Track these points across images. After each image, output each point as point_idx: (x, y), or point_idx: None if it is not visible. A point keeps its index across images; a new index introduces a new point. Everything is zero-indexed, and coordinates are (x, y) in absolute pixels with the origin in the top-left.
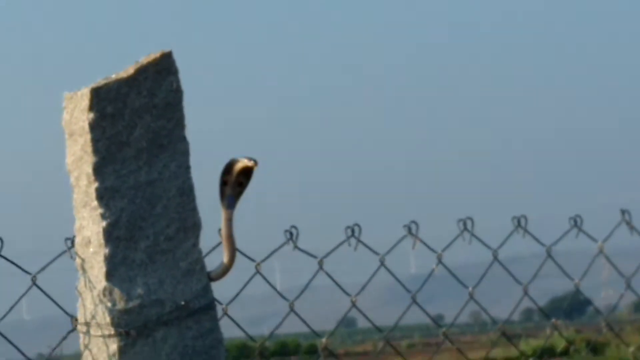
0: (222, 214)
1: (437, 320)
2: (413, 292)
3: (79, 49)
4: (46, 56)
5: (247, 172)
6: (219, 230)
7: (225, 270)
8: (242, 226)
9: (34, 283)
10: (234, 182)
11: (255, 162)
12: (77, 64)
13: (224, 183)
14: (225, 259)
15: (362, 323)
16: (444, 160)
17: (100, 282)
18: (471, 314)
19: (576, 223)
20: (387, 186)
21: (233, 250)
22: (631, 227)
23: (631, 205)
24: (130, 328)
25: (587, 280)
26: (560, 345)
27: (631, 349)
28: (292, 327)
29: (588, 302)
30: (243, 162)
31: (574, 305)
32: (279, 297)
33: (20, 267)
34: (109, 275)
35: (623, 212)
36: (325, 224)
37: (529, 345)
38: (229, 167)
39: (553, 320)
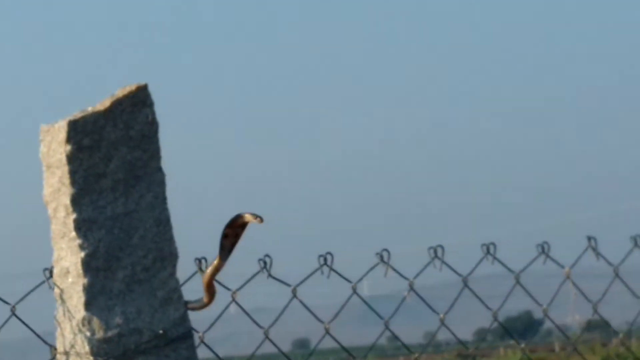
0: (215, 261)
1: (390, 341)
2: (386, 319)
3: (54, 81)
4: (21, 89)
5: (244, 225)
6: (195, 259)
7: (203, 306)
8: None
9: (13, 313)
10: (233, 234)
11: (261, 219)
12: (52, 96)
13: (225, 236)
14: (205, 298)
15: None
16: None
17: (79, 312)
18: (425, 334)
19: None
20: (361, 212)
21: (213, 293)
22: (597, 254)
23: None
24: (109, 357)
25: (542, 301)
26: None
27: None
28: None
29: (540, 322)
30: (248, 218)
31: (527, 325)
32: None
33: (1, 299)
34: (88, 305)
35: (589, 238)
36: (299, 250)
37: None
38: (233, 221)
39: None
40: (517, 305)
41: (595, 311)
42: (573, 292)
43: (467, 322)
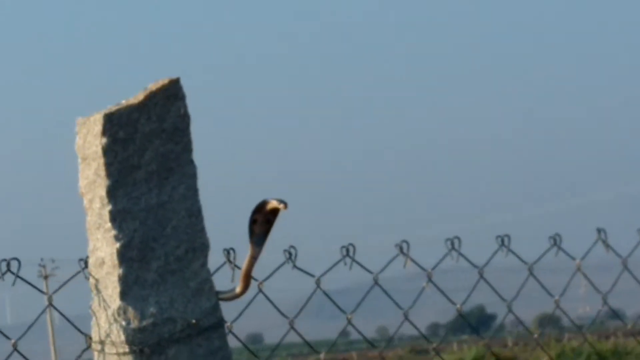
0: (249, 250)
1: (342, 336)
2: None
3: (89, 74)
4: (57, 82)
5: (275, 211)
6: (224, 250)
7: (235, 297)
8: (242, 248)
9: (50, 303)
10: (263, 220)
11: (286, 205)
12: (88, 90)
13: (254, 221)
14: (238, 288)
15: (268, 339)
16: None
17: (115, 302)
18: (378, 329)
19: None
20: (380, 203)
21: (248, 285)
22: (607, 246)
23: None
24: (144, 346)
25: (493, 296)
26: (470, 359)
27: None
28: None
29: (493, 316)
30: (273, 204)
31: (480, 320)
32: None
33: (36, 288)
34: (123, 295)
35: (599, 230)
36: (321, 241)
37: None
38: (259, 207)
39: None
40: (471, 300)
41: (605, 302)
42: (583, 284)
43: (420, 317)
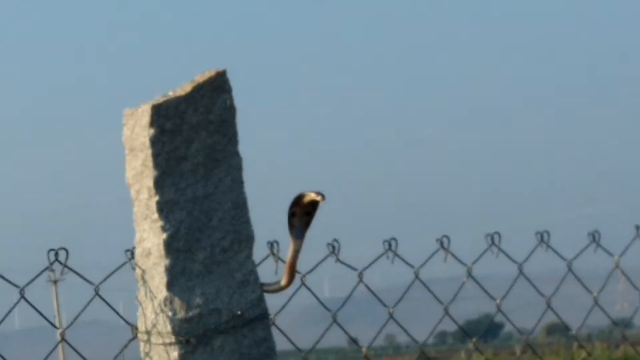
0: (290, 244)
1: (351, 343)
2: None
3: (137, 65)
4: (104, 73)
5: (314, 204)
6: (267, 242)
7: (279, 289)
8: (286, 241)
9: (97, 293)
10: (302, 213)
11: (323, 197)
12: (135, 81)
13: (292, 215)
14: (283, 281)
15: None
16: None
17: (161, 292)
18: (386, 337)
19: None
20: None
21: (293, 278)
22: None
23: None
24: (190, 336)
25: (505, 302)
26: None
27: None
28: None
29: (501, 325)
30: (310, 197)
31: (487, 328)
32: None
33: (83, 278)
34: (170, 286)
35: (638, 227)
36: (363, 236)
37: None
38: (297, 200)
39: (474, 339)
40: (478, 308)
41: None
42: (622, 280)
43: (427, 324)
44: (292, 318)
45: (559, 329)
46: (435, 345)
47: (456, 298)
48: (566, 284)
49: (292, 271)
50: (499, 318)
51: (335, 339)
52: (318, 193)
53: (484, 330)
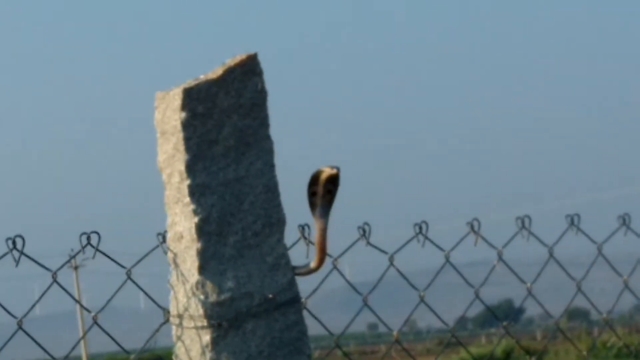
0: (316, 223)
1: (371, 328)
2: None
3: (168, 49)
4: (135, 57)
5: (333, 180)
6: (298, 226)
7: (310, 271)
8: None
9: (129, 277)
10: (323, 191)
11: (338, 170)
12: (167, 64)
13: (312, 194)
14: (313, 263)
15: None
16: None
17: (193, 276)
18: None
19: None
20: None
21: (324, 258)
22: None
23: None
24: (222, 320)
25: (523, 288)
26: (499, 352)
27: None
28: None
29: (522, 310)
30: (327, 172)
31: (507, 314)
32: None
33: (115, 261)
34: (202, 269)
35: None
36: (393, 219)
37: (468, 352)
38: (315, 178)
39: (504, 323)
40: (499, 293)
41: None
42: None
43: (448, 311)
44: (312, 302)
45: (580, 314)
46: (454, 330)
47: (475, 283)
48: (583, 269)
49: (323, 252)
50: (519, 303)
51: (355, 324)
52: (332, 167)
53: (504, 315)
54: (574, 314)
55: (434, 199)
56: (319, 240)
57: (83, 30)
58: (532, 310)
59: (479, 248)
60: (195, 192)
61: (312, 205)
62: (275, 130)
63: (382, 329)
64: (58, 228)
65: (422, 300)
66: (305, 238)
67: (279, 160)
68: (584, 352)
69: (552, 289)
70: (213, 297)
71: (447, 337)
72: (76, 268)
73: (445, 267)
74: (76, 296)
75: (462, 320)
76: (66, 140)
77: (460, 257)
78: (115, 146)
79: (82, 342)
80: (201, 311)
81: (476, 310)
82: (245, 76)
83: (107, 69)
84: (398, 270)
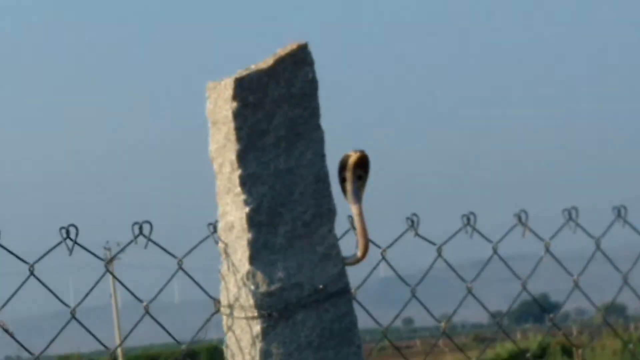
0: (352, 209)
1: (406, 323)
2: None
3: (217, 40)
4: (188, 47)
5: (363, 164)
6: (348, 216)
7: (357, 261)
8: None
9: (180, 267)
10: (353, 176)
11: (362, 152)
12: (218, 53)
13: (342, 180)
14: (359, 251)
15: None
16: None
17: (244, 266)
18: (440, 316)
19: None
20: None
21: (366, 243)
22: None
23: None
24: (272, 310)
25: (556, 283)
26: (535, 348)
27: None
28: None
29: (556, 305)
30: (353, 156)
31: (543, 309)
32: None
33: (167, 251)
34: (252, 259)
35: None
36: (437, 210)
37: (504, 348)
38: (343, 164)
39: (551, 315)
40: (534, 288)
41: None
42: None
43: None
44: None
45: (615, 310)
46: (490, 326)
47: (509, 278)
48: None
49: (365, 239)
50: (554, 298)
51: (389, 318)
52: (357, 150)
53: (540, 311)
54: (610, 309)
55: (481, 191)
56: (359, 227)
57: (135, 18)
58: (568, 305)
59: (522, 241)
60: (247, 182)
61: (344, 191)
62: (326, 119)
63: (416, 323)
64: (108, 218)
65: (469, 291)
66: (355, 229)
67: (330, 150)
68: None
69: (586, 284)
70: (263, 288)
71: (481, 333)
72: (111, 260)
73: (502, 257)
74: (111, 288)
75: (497, 315)
76: (118, 129)
77: (506, 250)
78: (167, 136)
79: (116, 335)
80: (252, 301)
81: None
82: (296, 66)
83: (159, 57)
84: (446, 262)
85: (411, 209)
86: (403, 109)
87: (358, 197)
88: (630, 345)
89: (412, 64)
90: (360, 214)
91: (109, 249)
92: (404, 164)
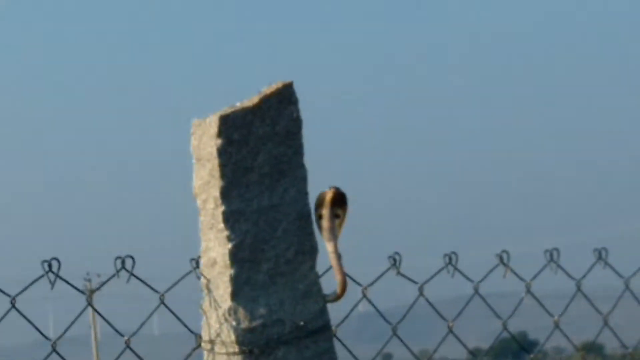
0: (327, 247)
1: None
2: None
3: (203, 76)
4: (172, 85)
5: (340, 202)
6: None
7: (336, 298)
8: (348, 252)
9: (162, 302)
10: (330, 214)
11: (336, 189)
12: (202, 91)
13: (319, 217)
14: (338, 288)
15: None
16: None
17: (226, 302)
18: (420, 352)
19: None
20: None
21: (343, 281)
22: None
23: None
24: (253, 346)
25: (536, 322)
26: None
27: None
28: None
29: (535, 343)
30: (329, 193)
31: (522, 347)
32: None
33: (149, 286)
34: (235, 295)
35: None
36: (422, 248)
37: None
38: (320, 201)
39: (531, 355)
40: (514, 325)
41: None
42: None
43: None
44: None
45: (594, 349)
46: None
47: (481, 316)
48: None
49: (342, 276)
50: (533, 335)
51: (368, 353)
52: (332, 187)
53: (518, 349)
54: (588, 347)
55: (463, 229)
56: (334, 264)
57: (118, 57)
58: (546, 343)
59: (503, 280)
60: (230, 219)
61: (320, 228)
62: (309, 157)
63: (395, 358)
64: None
65: (450, 330)
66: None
67: (312, 188)
68: None
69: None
70: (245, 324)
71: None
72: (92, 292)
73: (482, 296)
74: (91, 320)
75: (476, 352)
76: (102, 161)
77: (486, 288)
78: (151, 172)
79: None
80: (233, 337)
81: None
82: (281, 104)
83: (145, 93)
84: (428, 301)
85: (394, 245)
86: (387, 147)
87: (334, 234)
88: None
89: (401, 100)
90: (336, 252)
91: (89, 280)
92: (387, 201)
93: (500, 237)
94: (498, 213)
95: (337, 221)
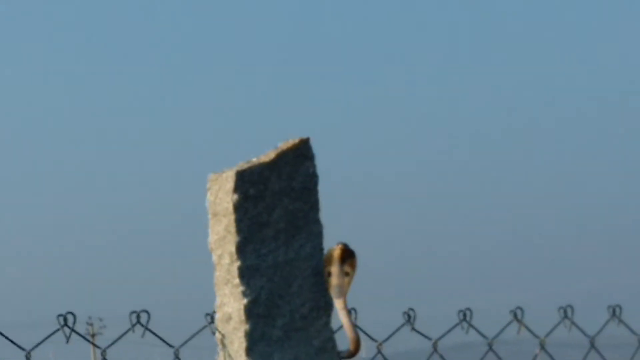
0: (335, 304)
1: None
2: None
3: (220, 131)
4: (188, 139)
5: (349, 259)
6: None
7: (350, 355)
8: (363, 309)
9: (177, 356)
10: (339, 272)
11: (344, 245)
12: (215, 147)
13: (328, 274)
14: (351, 345)
15: None
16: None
17: (241, 357)
18: None
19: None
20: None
21: (355, 338)
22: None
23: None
24: None
25: None
26: None
27: None
28: None
29: None
30: (336, 250)
31: None
32: None
33: (164, 340)
34: (249, 351)
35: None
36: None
37: None
38: (328, 258)
39: None
40: None
41: None
42: None
43: None
44: None
45: None
46: None
47: None
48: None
49: (354, 332)
50: None
51: None
52: (339, 243)
53: None
54: None
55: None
56: (345, 322)
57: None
58: None
59: (514, 334)
60: (245, 274)
61: (329, 285)
62: (325, 212)
63: None
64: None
65: None
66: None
67: (328, 243)
68: None
69: None
70: None
71: None
72: (93, 336)
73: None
74: None
75: None
76: (118, 216)
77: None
78: (167, 225)
79: None
80: None
81: None
82: (297, 160)
83: (161, 147)
84: (442, 357)
85: (409, 300)
86: (401, 203)
87: (343, 291)
88: None
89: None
90: (345, 308)
91: (91, 324)
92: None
93: (515, 291)
94: (514, 268)
95: (346, 279)
